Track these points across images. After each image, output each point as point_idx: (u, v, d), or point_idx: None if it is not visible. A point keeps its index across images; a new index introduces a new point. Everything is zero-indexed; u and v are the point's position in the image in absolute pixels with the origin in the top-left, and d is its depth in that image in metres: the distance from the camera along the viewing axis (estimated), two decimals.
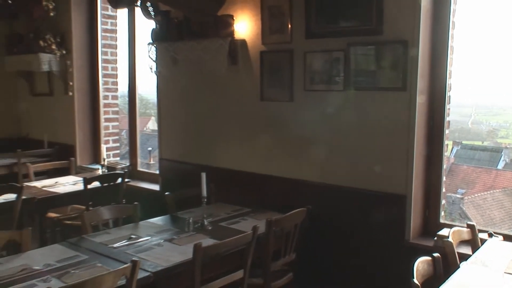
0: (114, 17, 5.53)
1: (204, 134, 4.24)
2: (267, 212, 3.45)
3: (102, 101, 5.53)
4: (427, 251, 2.58)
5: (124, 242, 2.84)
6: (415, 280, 2.12)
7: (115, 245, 2.79)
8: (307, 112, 3.53)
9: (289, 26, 3.54)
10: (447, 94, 3.12)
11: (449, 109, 3.17)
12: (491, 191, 12.92)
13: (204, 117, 4.22)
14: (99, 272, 2.30)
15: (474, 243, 2.74)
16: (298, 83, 3.55)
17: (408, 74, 3.03)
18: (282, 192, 3.68)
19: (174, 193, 3.59)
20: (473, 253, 2.57)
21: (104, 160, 4.90)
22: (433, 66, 3.12)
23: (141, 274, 2.32)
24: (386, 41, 3.09)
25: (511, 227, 11.93)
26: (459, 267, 2.30)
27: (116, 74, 5.62)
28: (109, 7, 5.35)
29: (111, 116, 5.64)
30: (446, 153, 3.25)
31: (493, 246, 2.58)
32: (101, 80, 5.50)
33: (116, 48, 5.58)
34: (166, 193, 3.58)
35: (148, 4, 4.04)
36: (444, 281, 2.10)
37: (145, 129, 14.61)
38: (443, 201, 3.24)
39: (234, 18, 3.84)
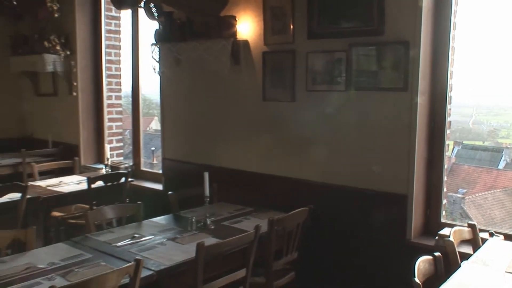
0: (118, 18, 5.54)
1: (206, 134, 4.24)
2: (269, 212, 3.45)
3: (105, 101, 5.54)
4: (428, 251, 2.57)
5: (127, 241, 2.84)
6: (416, 279, 2.12)
7: (118, 244, 2.79)
8: (309, 112, 3.53)
9: (291, 26, 3.53)
10: (448, 94, 3.12)
11: (450, 109, 3.16)
12: (492, 191, 12.89)
13: (207, 117, 4.22)
14: (103, 270, 2.30)
15: (475, 243, 2.73)
16: (300, 84, 3.55)
17: (410, 75, 3.02)
18: (284, 192, 3.68)
19: (177, 192, 3.60)
20: (474, 252, 2.56)
21: (107, 159, 4.91)
22: (434, 67, 3.11)
23: (144, 273, 2.32)
24: (388, 41, 3.09)
25: None
26: (460, 266, 2.29)
27: (120, 75, 5.64)
28: (113, 8, 5.36)
29: (114, 116, 5.65)
30: (447, 153, 3.24)
31: (494, 246, 2.58)
32: (105, 80, 5.51)
33: (119, 48, 5.59)
34: (169, 192, 3.58)
35: (152, 5, 4.05)
36: (445, 280, 2.10)
37: (148, 129, 14.62)
38: (444, 201, 3.23)
39: (236, 19, 3.84)
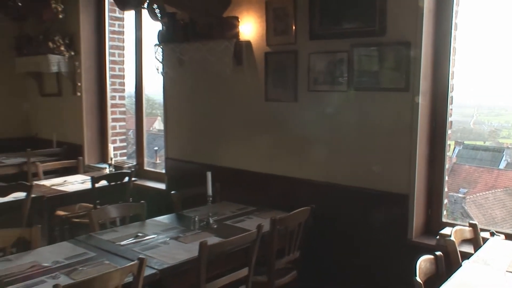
0: (122, 19, 5.55)
1: (209, 134, 4.24)
2: (271, 211, 3.45)
3: (109, 102, 5.55)
4: (429, 250, 2.57)
5: (131, 240, 2.84)
6: (418, 278, 2.11)
7: (122, 243, 2.79)
8: (311, 112, 3.52)
9: (294, 27, 3.53)
10: (450, 94, 3.11)
11: (451, 109, 3.15)
12: (493, 191, 12.86)
13: (210, 117, 4.22)
14: (106, 269, 2.30)
15: (476, 242, 2.73)
16: (302, 84, 3.55)
17: (411, 75, 3.02)
18: (286, 191, 3.68)
19: (180, 192, 3.60)
20: (475, 251, 2.56)
21: (111, 159, 4.92)
22: (435, 67, 3.11)
23: (147, 272, 2.32)
24: (389, 42, 3.08)
25: None
26: (461, 265, 2.29)
27: (123, 75, 5.64)
28: (117, 9, 5.37)
29: (118, 116, 5.66)
30: (448, 153, 3.23)
31: (495, 245, 2.57)
32: (108, 80, 5.51)
33: (123, 49, 5.60)
34: (172, 192, 3.59)
35: (155, 6, 4.05)
36: (446, 280, 2.10)
37: (151, 129, 14.64)
38: (445, 200, 3.22)
39: (239, 19, 3.84)
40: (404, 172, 3.08)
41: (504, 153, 14.84)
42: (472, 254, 2.45)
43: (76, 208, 4.46)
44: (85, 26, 5.36)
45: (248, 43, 3.83)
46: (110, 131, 5.59)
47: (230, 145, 4.07)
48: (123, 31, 5.57)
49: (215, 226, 3.15)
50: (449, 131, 3.15)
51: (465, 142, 15.76)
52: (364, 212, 3.26)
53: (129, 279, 2.21)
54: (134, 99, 5.27)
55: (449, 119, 3.14)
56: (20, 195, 3.70)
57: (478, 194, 12.57)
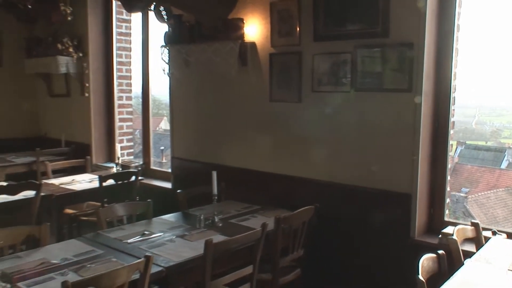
0: (129, 21, 5.56)
1: (215, 133, 4.24)
2: (276, 210, 3.45)
3: (116, 102, 5.57)
4: (432, 249, 2.56)
5: (137, 238, 2.85)
6: (420, 277, 2.11)
7: (129, 241, 2.80)
8: (315, 112, 3.52)
9: (298, 29, 3.53)
10: (452, 95, 3.10)
11: (453, 110, 3.14)
12: (495, 190, 12.79)
13: (215, 117, 4.22)
14: (114, 266, 2.31)
15: (478, 241, 2.71)
16: (306, 85, 3.54)
17: (414, 76, 3.01)
18: (290, 191, 3.68)
19: (186, 190, 3.60)
20: (477, 250, 2.55)
21: (118, 158, 4.93)
22: (438, 68, 3.09)
23: (154, 269, 2.33)
24: (392, 43, 3.07)
25: None
26: (463, 264, 2.28)
27: (130, 76, 5.65)
28: (124, 11, 5.38)
29: (125, 116, 5.68)
30: (451, 153, 3.22)
31: (497, 244, 2.56)
32: (116, 81, 5.53)
33: (130, 50, 5.61)
34: (178, 190, 3.59)
35: (161, 8, 4.06)
36: (448, 278, 2.09)
37: (157, 129, 14.67)
38: (448, 200, 3.21)
39: (244, 21, 3.83)
40: (407, 172, 3.07)
41: (505, 153, 14.76)
42: (474, 253, 2.44)
43: (84, 206, 4.48)
44: (93, 28, 5.38)
45: (253, 45, 3.83)
46: (117, 131, 5.60)
47: (235, 145, 4.07)
48: (130, 33, 5.59)
49: (220, 225, 3.15)
50: (451, 131, 3.14)
51: (467, 142, 15.68)
52: (367, 211, 3.25)
53: (136, 276, 2.22)
54: (140, 100, 5.28)
55: (452, 119, 3.12)
56: (30, 193, 3.71)
57: (480, 194, 12.51)
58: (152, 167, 5.28)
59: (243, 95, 3.98)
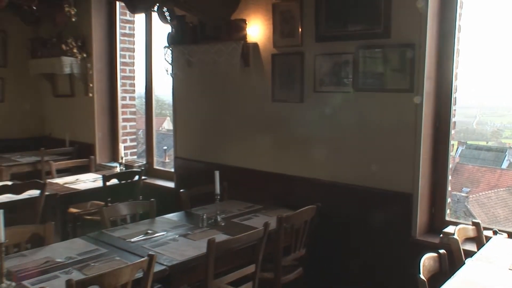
0: (132, 22, 5.57)
1: (217, 133, 4.25)
2: (278, 209, 3.44)
3: (120, 102, 5.58)
4: (433, 248, 2.56)
5: (141, 237, 2.85)
6: (422, 276, 2.10)
7: (132, 240, 2.80)
8: (317, 112, 3.51)
9: (300, 30, 3.53)
10: (453, 95, 3.09)
11: (455, 110, 3.13)
12: (496, 190, 12.76)
13: (218, 117, 4.23)
14: (117, 265, 2.31)
15: (479, 240, 2.71)
16: (308, 85, 3.54)
17: (415, 76, 3.00)
18: (292, 190, 3.68)
19: (189, 190, 3.60)
20: (478, 250, 2.54)
21: (122, 158, 4.93)
22: (439, 69, 3.09)
23: (157, 268, 2.33)
24: (394, 44, 3.07)
25: None
26: (464, 263, 2.27)
27: (134, 76, 5.67)
28: (127, 12, 5.39)
29: (128, 116, 5.69)
30: (452, 153, 3.21)
31: (497, 243, 2.55)
32: (119, 82, 5.54)
33: (133, 51, 5.62)
34: (181, 190, 3.59)
35: (165, 9, 4.06)
36: (449, 277, 2.08)
37: (160, 128, 14.68)
38: (449, 200, 3.20)
39: (246, 22, 3.84)
40: (408, 171, 3.07)
41: (506, 153, 14.71)
42: (475, 252, 2.43)
43: (88, 205, 4.48)
44: (97, 29, 5.39)
45: (255, 45, 3.83)
46: (120, 131, 5.61)
47: (238, 144, 4.08)
48: (134, 34, 5.60)
49: (223, 224, 3.15)
50: (452, 131, 3.13)
51: (468, 142, 15.64)
52: (369, 211, 3.25)
53: (139, 275, 2.22)
54: (144, 100, 5.29)
55: (453, 119, 3.11)
56: (34, 192, 3.72)
57: (481, 193, 12.48)
58: (155, 166, 5.29)
59: (245, 96, 3.98)
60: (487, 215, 11.65)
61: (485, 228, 2.82)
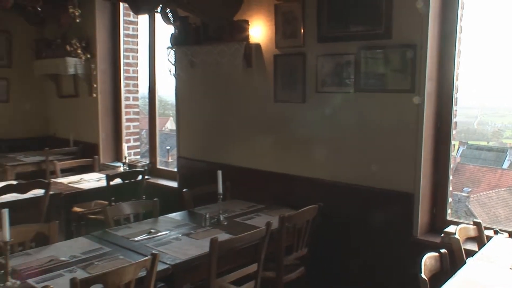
0: (136, 23, 5.58)
1: (220, 133, 4.25)
2: (280, 209, 3.44)
3: (123, 102, 5.58)
4: (434, 247, 2.55)
5: (144, 236, 2.86)
6: (423, 275, 2.10)
7: (136, 239, 2.81)
8: (319, 113, 3.51)
9: (302, 30, 3.52)
10: (454, 96, 3.08)
11: (456, 110, 3.12)
12: (496, 190, 12.73)
13: (220, 118, 4.23)
14: (121, 264, 2.32)
15: (480, 240, 2.70)
16: (310, 85, 3.54)
17: (417, 77, 2.99)
18: (294, 190, 3.67)
19: (192, 189, 3.61)
20: (479, 249, 2.53)
21: (125, 158, 4.94)
22: (440, 69, 3.08)
23: (160, 267, 2.34)
24: (395, 45, 3.06)
25: None
26: (465, 263, 2.27)
27: (137, 77, 5.67)
28: (131, 13, 5.40)
29: (132, 116, 5.69)
30: (453, 153, 3.20)
31: (498, 243, 2.54)
32: (123, 82, 5.55)
33: (137, 52, 5.63)
34: (184, 189, 3.59)
35: (168, 10, 4.06)
36: (451, 276, 2.08)
37: (163, 129, 14.71)
38: (450, 199, 3.20)
39: (249, 23, 3.84)
40: (410, 171, 3.06)
41: (507, 153, 14.69)
42: (476, 252, 2.43)
43: (92, 205, 4.49)
44: (101, 30, 5.40)
45: (257, 46, 3.83)
46: (124, 131, 5.62)
47: (240, 145, 4.08)
48: (137, 35, 5.60)
49: (226, 223, 3.15)
50: (453, 132, 3.12)
51: (469, 142, 15.61)
52: (370, 211, 3.24)
53: (143, 273, 2.22)
54: (147, 100, 5.30)
55: (454, 119, 3.11)
56: (39, 192, 3.73)
57: (481, 193, 12.45)
58: (159, 166, 5.29)
59: (248, 96, 3.98)
60: (488, 214, 11.63)
61: (486, 228, 2.81)
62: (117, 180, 4.17)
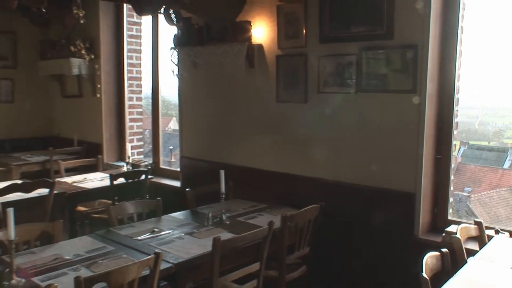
0: (139, 24, 5.58)
1: (222, 133, 4.25)
2: (282, 208, 3.44)
3: (127, 103, 5.59)
4: (435, 247, 2.54)
5: (147, 235, 2.86)
6: (424, 274, 2.09)
7: (139, 238, 2.81)
8: (320, 113, 3.51)
9: (304, 31, 3.52)
10: (456, 96, 3.07)
11: (457, 110, 3.11)
12: (497, 190, 12.70)
13: (223, 118, 4.23)
14: (124, 262, 2.32)
15: (481, 240, 2.69)
16: (312, 86, 3.53)
17: (418, 77, 2.99)
18: (296, 189, 3.67)
19: (194, 189, 3.61)
20: (480, 249, 2.53)
21: (129, 158, 4.95)
22: (442, 70, 3.07)
23: (163, 265, 2.34)
24: (397, 45, 3.06)
25: None
26: (466, 262, 2.26)
27: (141, 77, 5.68)
28: (135, 14, 5.40)
29: (135, 116, 5.70)
30: (454, 153, 3.19)
31: (499, 242, 2.54)
32: (126, 82, 5.55)
33: (140, 52, 5.63)
34: (187, 189, 3.59)
35: (171, 11, 4.07)
36: (452, 276, 2.07)
37: (166, 128, 14.71)
38: (451, 199, 3.19)
39: (251, 24, 3.83)
40: (411, 171, 3.05)
41: (508, 153, 14.65)
42: (477, 251, 2.42)
43: (96, 204, 4.50)
44: (104, 30, 5.41)
45: (260, 47, 3.83)
46: (127, 131, 5.63)
47: (243, 144, 4.08)
48: (141, 35, 5.61)
49: (228, 222, 3.15)
50: (454, 132, 3.12)
51: (470, 142, 15.58)
52: (372, 210, 3.24)
53: (146, 272, 2.23)
54: (150, 100, 5.30)
55: (455, 120, 3.10)
56: (43, 191, 3.74)
57: (482, 193, 12.42)
58: (162, 166, 5.29)
59: (250, 96, 3.98)
60: (489, 214, 11.60)
61: (487, 227, 2.80)
62: (121, 180, 4.18)
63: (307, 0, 3.47)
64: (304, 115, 3.61)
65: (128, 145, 5.20)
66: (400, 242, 3.12)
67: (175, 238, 2.84)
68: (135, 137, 5.71)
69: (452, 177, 3.16)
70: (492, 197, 12.29)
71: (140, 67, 5.65)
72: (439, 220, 3.15)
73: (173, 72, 4.37)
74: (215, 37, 4.00)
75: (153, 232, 2.92)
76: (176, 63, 4.31)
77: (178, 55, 4.27)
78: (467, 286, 2.00)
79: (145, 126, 6.41)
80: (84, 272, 2.26)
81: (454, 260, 2.40)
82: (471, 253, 2.42)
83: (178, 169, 4.83)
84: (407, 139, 3.07)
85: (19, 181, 4.01)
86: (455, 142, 3.21)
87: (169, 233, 2.93)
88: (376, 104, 3.21)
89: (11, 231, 2.19)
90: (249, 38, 3.82)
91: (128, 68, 5.54)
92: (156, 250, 2.29)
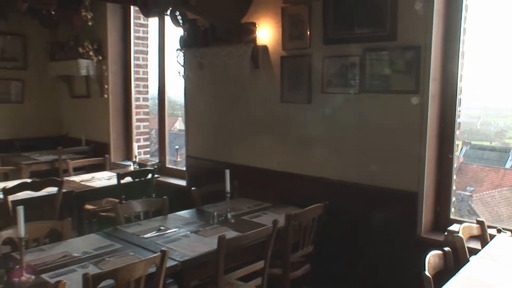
0: (146, 26, 5.60)
1: (228, 133, 4.25)
2: (286, 207, 3.44)
3: (134, 103, 5.61)
4: (438, 246, 2.53)
5: (154, 233, 2.87)
6: (427, 273, 2.08)
7: (146, 236, 2.82)
8: (324, 113, 3.50)
9: (308, 32, 3.51)
10: (458, 96, 3.06)
11: (459, 111, 3.10)
12: (499, 189, 12.64)
13: (228, 118, 4.23)
14: (131, 260, 2.33)
15: (483, 239, 2.68)
16: (316, 86, 3.53)
17: (421, 78, 2.98)
18: (300, 188, 3.67)
19: (200, 188, 3.61)
20: (482, 248, 2.51)
21: (135, 157, 4.96)
22: (444, 70, 3.06)
23: (169, 263, 2.34)
24: (400, 46, 3.04)
25: None
26: (468, 261, 2.25)
27: (147, 78, 5.69)
28: (141, 16, 5.42)
29: (142, 116, 5.71)
30: (456, 153, 3.18)
31: (502, 242, 2.52)
32: (133, 83, 5.57)
33: (147, 54, 5.65)
34: (193, 188, 3.60)
35: (177, 13, 4.07)
36: (454, 274, 2.06)
37: (172, 128, 14.75)
38: (453, 198, 3.17)
39: (256, 25, 3.83)
40: (414, 171, 3.04)
41: (510, 153, 14.57)
42: (479, 250, 2.41)
43: (103, 202, 4.51)
44: (112, 32, 5.43)
45: (265, 48, 3.83)
46: (134, 131, 5.64)
47: (247, 144, 4.08)
48: (147, 37, 5.63)
49: (233, 221, 3.15)
50: (457, 132, 3.10)
51: (472, 142, 15.51)
52: (375, 209, 3.23)
53: (152, 269, 2.23)
54: (157, 101, 5.31)
55: (457, 120, 3.08)
56: (52, 190, 3.76)
57: (484, 193, 12.36)
58: (168, 165, 5.30)
59: (255, 97, 3.98)
60: (490, 213, 11.54)
61: (489, 227, 2.79)
62: (128, 179, 4.19)
63: (311, 2, 3.47)
64: (308, 115, 3.60)
65: (135, 145, 5.21)
66: (402, 241, 3.11)
67: (181, 236, 2.84)
68: (141, 137, 5.73)
69: (454, 177, 3.14)
70: (494, 196, 12.23)
71: (146, 68, 5.66)
72: (442, 219, 3.14)
73: (179, 73, 4.38)
74: (220, 38, 4.00)
75: (159, 230, 2.92)
76: (182, 64, 4.31)
77: (184, 56, 4.28)
78: (469, 285, 1.99)
79: (151, 126, 6.43)
80: (92, 269, 2.27)
81: (457, 258, 2.39)
82: (473, 252, 2.40)
83: (184, 169, 4.83)
84: (410, 139, 3.06)
85: (29, 180, 4.04)
86: (458, 142, 3.19)
87: (175, 231, 2.93)
88: (379, 105, 3.20)
89: (21, 228, 2.20)
90: (254, 40, 3.82)
91: (135, 69, 5.56)
92: (162, 248, 2.30)
